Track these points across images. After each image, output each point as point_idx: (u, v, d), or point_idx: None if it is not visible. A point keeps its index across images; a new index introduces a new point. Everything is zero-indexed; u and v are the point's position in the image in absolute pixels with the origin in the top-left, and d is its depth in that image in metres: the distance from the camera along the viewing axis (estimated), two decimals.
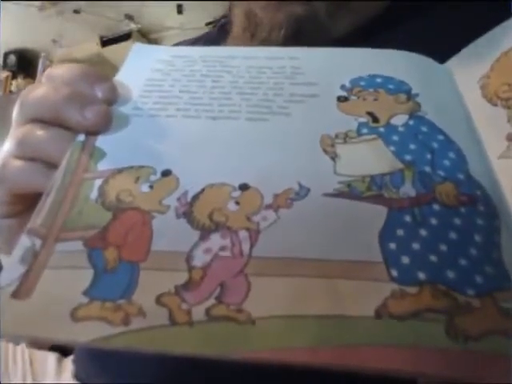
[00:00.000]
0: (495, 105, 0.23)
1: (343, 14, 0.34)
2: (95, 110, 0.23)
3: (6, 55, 2.38)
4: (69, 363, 0.63)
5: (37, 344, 0.77)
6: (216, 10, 1.86)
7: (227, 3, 0.42)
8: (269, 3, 0.34)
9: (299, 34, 0.33)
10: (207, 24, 1.87)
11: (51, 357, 0.70)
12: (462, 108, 0.25)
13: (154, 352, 0.17)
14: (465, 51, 0.27)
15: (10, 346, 0.74)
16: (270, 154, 0.22)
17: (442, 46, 0.27)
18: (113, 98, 0.24)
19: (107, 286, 0.18)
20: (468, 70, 0.26)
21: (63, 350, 0.71)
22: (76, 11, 2.06)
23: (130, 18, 2.14)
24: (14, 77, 2.41)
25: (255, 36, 0.36)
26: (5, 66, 2.38)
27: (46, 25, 2.13)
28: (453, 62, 0.27)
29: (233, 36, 0.38)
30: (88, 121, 0.23)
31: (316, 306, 0.17)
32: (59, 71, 0.25)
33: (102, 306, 0.17)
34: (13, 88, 2.39)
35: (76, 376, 0.39)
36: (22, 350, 0.72)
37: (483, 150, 0.22)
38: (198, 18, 1.96)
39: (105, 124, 0.23)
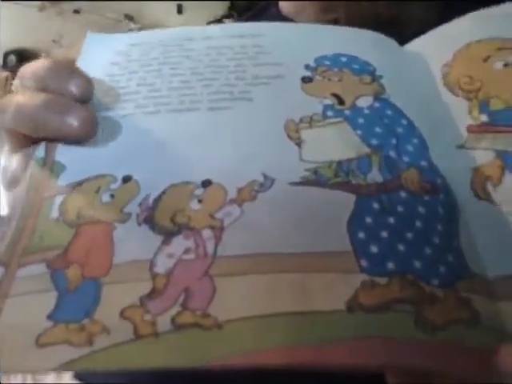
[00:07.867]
0: (457, 95, 0.23)
1: None
2: (79, 116, 0.22)
3: (6, 55, 2.37)
4: None
5: None
6: (216, 10, 1.86)
7: (227, 3, 0.42)
8: None
9: None
10: (207, 24, 1.87)
11: None
12: (424, 94, 0.24)
13: (120, 370, 0.16)
14: (430, 34, 0.26)
15: None
16: (232, 145, 0.21)
17: None
18: (89, 92, 0.23)
19: (71, 307, 0.17)
20: (431, 55, 0.25)
21: None
22: (76, 11, 2.05)
23: (130, 18, 2.14)
24: (14, 77, 2.40)
25: None
26: (5, 66, 2.37)
27: (46, 25, 2.13)
28: (417, 44, 0.26)
29: None
30: (74, 128, 0.21)
31: (285, 304, 0.16)
32: (30, 69, 0.24)
33: (65, 328, 0.16)
34: (13, 88, 2.38)
35: (76, 376, 0.39)
36: None
37: (442, 138, 0.22)
38: (198, 18, 1.95)
39: (93, 128, 0.22)
